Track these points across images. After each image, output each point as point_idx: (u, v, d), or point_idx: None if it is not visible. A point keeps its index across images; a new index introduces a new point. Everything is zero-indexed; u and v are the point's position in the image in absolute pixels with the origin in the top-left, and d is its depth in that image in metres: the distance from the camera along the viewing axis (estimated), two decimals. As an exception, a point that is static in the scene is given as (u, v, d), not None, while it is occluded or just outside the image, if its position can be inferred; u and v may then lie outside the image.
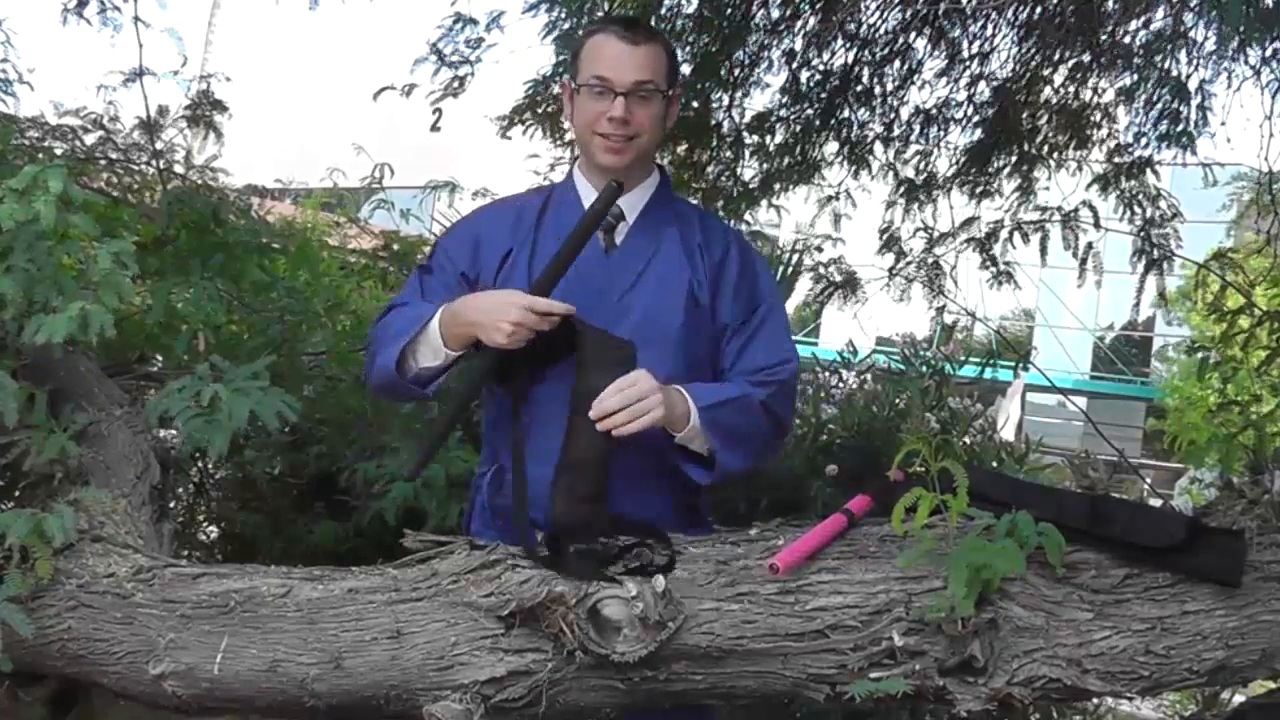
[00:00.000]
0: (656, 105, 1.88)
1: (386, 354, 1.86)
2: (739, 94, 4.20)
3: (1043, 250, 4.29)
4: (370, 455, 2.86)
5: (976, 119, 4.32)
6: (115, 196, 3.40)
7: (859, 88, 4.24)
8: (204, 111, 3.61)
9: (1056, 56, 4.07)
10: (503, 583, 1.64)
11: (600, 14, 3.71)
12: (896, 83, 4.27)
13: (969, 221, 4.46)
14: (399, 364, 1.85)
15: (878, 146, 4.41)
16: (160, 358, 3.04)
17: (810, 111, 4.25)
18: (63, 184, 1.84)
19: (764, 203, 4.45)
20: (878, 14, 4.10)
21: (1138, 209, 4.18)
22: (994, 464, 3.09)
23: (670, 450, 1.82)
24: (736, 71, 4.12)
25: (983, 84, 4.26)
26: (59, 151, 3.32)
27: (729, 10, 3.93)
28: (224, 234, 3.15)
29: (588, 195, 1.93)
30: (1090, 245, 4.20)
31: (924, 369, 3.26)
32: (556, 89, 3.98)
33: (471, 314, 1.77)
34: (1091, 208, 4.17)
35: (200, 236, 3.12)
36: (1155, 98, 3.92)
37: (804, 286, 4.47)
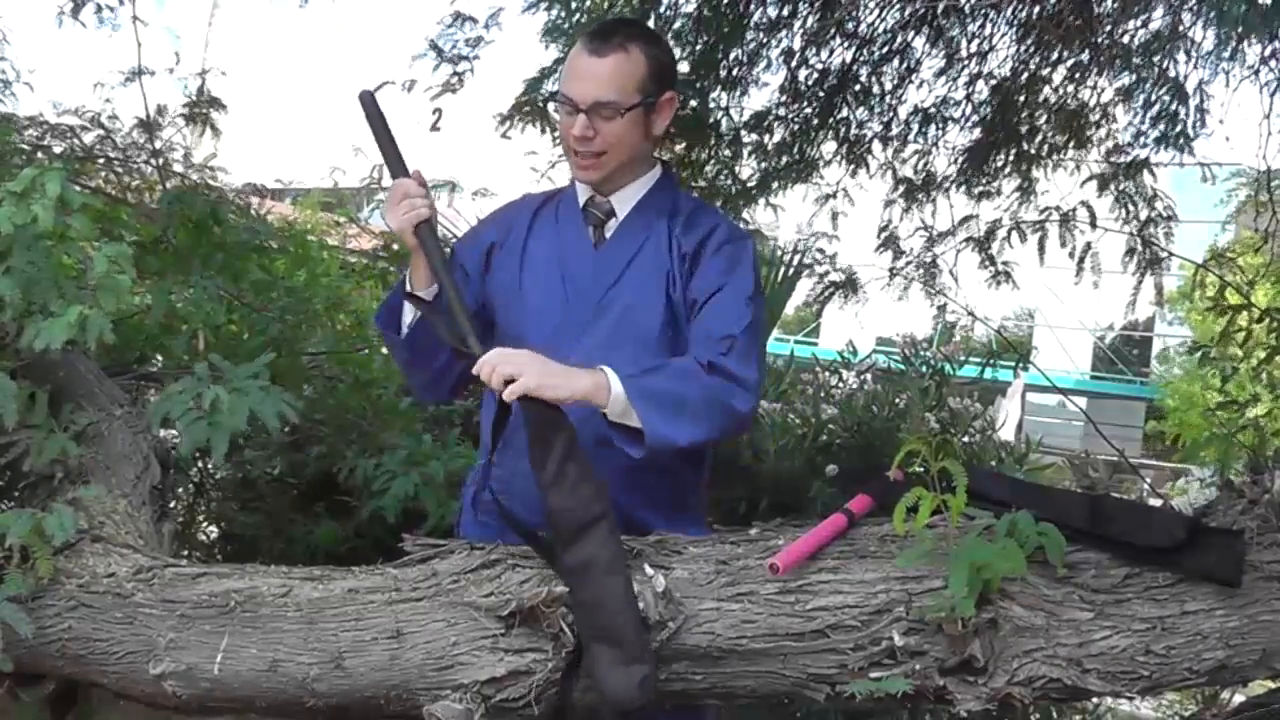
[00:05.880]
0: (624, 122, 1.82)
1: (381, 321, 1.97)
2: (737, 93, 4.20)
3: (1040, 249, 4.29)
4: (370, 455, 2.86)
5: (975, 118, 4.32)
6: (114, 196, 3.40)
7: (857, 86, 4.24)
8: (203, 110, 3.62)
9: (1055, 56, 4.07)
10: (503, 583, 1.64)
11: (598, 15, 3.72)
12: (895, 82, 4.27)
13: (967, 220, 4.46)
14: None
15: (876, 145, 4.41)
16: (160, 358, 3.04)
17: (808, 110, 4.25)
18: (61, 187, 1.84)
19: (762, 201, 4.45)
20: (876, 13, 4.10)
21: (1133, 209, 4.18)
22: (993, 464, 3.10)
23: (607, 428, 1.73)
24: (734, 70, 4.12)
25: (981, 83, 4.26)
26: (58, 150, 3.32)
27: (727, 9, 3.93)
28: (223, 234, 3.16)
29: (584, 193, 1.95)
30: (1089, 245, 4.19)
31: (924, 369, 3.26)
32: (553, 86, 3.98)
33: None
34: (1089, 208, 4.17)
35: (200, 236, 3.12)
36: (1153, 98, 3.92)
37: (804, 286, 4.47)
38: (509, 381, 1.64)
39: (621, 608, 1.56)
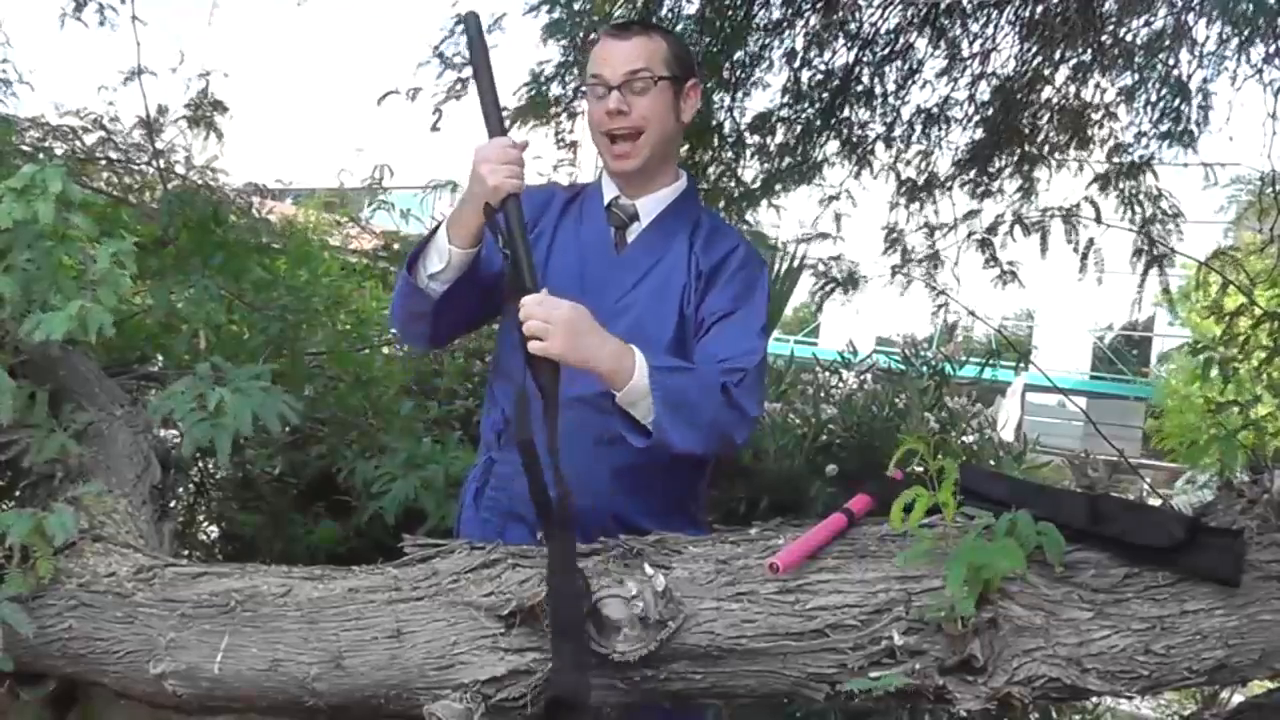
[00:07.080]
0: (656, 96, 1.86)
1: (401, 271, 1.89)
2: (740, 94, 4.21)
3: (1042, 244, 4.28)
4: (370, 456, 2.87)
5: (977, 118, 4.32)
6: (115, 196, 3.41)
7: (860, 87, 4.24)
8: (204, 111, 3.62)
9: (1058, 55, 4.07)
10: (503, 582, 1.64)
11: (598, 17, 3.73)
12: (897, 82, 4.27)
13: (971, 214, 4.46)
14: (412, 274, 1.86)
15: (879, 146, 4.42)
16: (160, 358, 3.04)
17: (811, 111, 4.25)
18: (62, 183, 1.84)
19: (764, 203, 4.46)
20: (878, 13, 4.11)
21: (1138, 208, 4.18)
22: (991, 463, 3.10)
23: (614, 412, 1.74)
24: (737, 71, 4.13)
25: (983, 83, 4.26)
26: (59, 152, 3.32)
27: (730, 10, 3.93)
28: (224, 234, 3.16)
29: (610, 192, 1.97)
30: (1091, 241, 4.19)
31: (924, 369, 3.26)
32: (557, 90, 3.99)
33: (469, 184, 1.75)
34: (1093, 203, 4.16)
35: (200, 236, 3.12)
36: (1156, 97, 3.92)
37: (804, 283, 4.47)
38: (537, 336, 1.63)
39: (570, 607, 1.55)
